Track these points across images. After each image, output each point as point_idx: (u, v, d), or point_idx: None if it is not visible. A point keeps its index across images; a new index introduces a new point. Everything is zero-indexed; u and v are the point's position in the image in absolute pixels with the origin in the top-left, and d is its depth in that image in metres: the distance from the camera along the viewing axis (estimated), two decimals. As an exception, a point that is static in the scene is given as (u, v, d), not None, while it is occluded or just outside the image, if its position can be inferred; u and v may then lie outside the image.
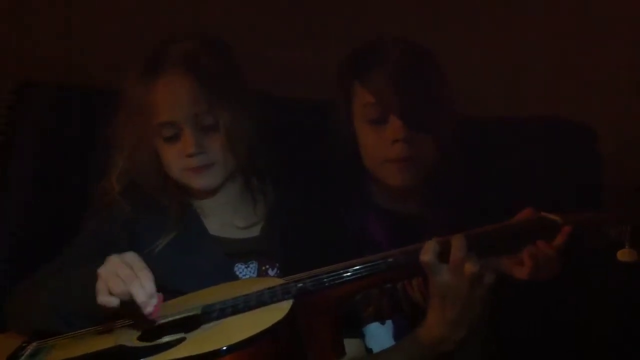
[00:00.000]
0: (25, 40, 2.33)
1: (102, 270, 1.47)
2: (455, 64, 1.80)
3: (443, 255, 1.48)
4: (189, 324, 1.47)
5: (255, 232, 1.80)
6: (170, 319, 1.51)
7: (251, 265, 1.76)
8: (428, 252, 1.47)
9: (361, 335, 1.66)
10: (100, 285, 1.47)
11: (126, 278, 1.45)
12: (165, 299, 1.52)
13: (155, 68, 1.72)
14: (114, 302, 1.46)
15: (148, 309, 1.46)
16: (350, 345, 1.57)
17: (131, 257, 1.50)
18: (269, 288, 1.50)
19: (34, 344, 1.56)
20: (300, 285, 1.48)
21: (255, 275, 1.74)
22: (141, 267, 1.48)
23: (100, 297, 1.46)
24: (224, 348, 1.34)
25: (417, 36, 1.80)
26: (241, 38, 1.89)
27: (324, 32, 2.25)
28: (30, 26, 2.34)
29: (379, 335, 1.66)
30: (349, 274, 1.49)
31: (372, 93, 1.73)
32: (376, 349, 1.65)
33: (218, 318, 1.46)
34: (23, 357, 1.54)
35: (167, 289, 1.53)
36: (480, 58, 2.18)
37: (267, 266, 1.76)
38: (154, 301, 1.47)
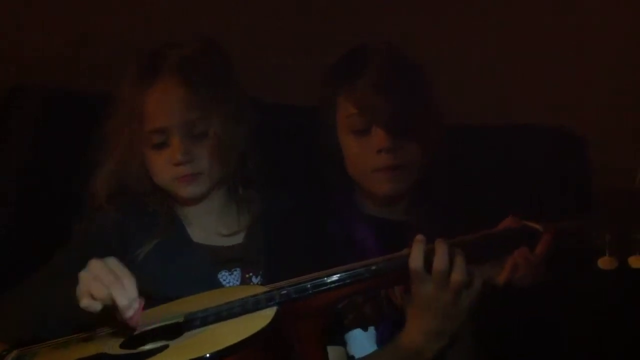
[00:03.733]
0: (17, 42, 2.32)
1: (84, 274, 1.47)
2: (444, 71, 1.81)
3: (427, 263, 1.48)
4: (172, 331, 1.46)
5: (239, 239, 1.79)
6: (152, 326, 1.50)
7: (235, 273, 1.75)
8: (416, 259, 1.47)
9: (343, 343, 1.66)
10: (82, 289, 1.46)
11: (108, 282, 1.44)
12: (148, 307, 1.51)
13: (150, 74, 1.71)
14: (96, 306, 1.45)
15: (129, 313, 1.45)
16: (333, 352, 1.58)
17: (113, 261, 1.49)
18: (252, 295, 1.49)
19: (15, 351, 1.55)
20: (284, 292, 1.47)
21: (239, 282, 1.74)
22: (123, 271, 1.47)
23: (82, 301, 1.45)
24: (207, 355, 1.33)
25: (408, 43, 1.80)
26: (235, 44, 1.88)
27: (317, 39, 2.26)
28: (22, 28, 2.33)
29: (362, 342, 1.67)
30: (332, 281, 1.49)
31: (354, 104, 1.73)
32: (358, 356, 1.65)
33: (201, 326, 1.45)
34: (3, 365, 1.53)
35: (150, 296, 1.52)
36: (468, 65, 2.19)
37: (251, 273, 1.75)
38: (136, 305, 1.46)
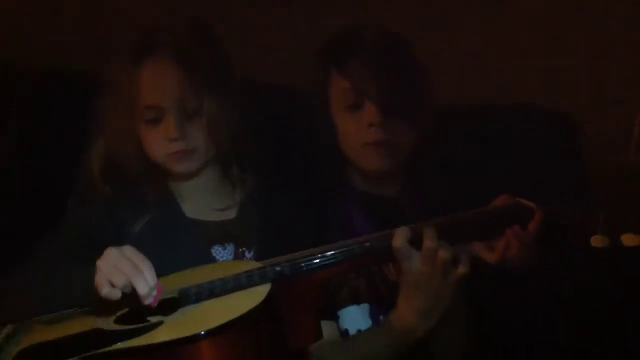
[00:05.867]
0: (7, 26, 2.31)
1: (102, 264, 1.47)
2: (436, 51, 1.82)
3: (415, 242, 1.49)
4: (167, 307, 1.47)
5: (232, 214, 1.79)
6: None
7: (228, 247, 1.75)
8: (399, 238, 1.49)
9: (335, 317, 1.67)
10: (100, 278, 1.46)
11: (128, 271, 1.45)
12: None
13: (142, 52, 1.71)
14: (116, 294, 1.46)
15: (149, 300, 1.46)
16: (325, 327, 1.58)
17: (130, 250, 1.49)
18: (246, 272, 1.50)
19: (10, 326, 1.55)
20: (278, 269, 1.48)
21: (232, 257, 1.74)
22: (141, 259, 1.48)
23: (103, 290, 1.46)
24: (202, 333, 1.34)
25: (400, 24, 1.81)
26: (227, 23, 1.88)
27: (310, 18, 2.26)
28: (13, 11, 2.32)
29: (355, 315, 1.67)
30: (326, 258, 1.49)
31: (347, 78, 1.75)
32: (352, 329, 1.66)
33: (196, 301, 1.46)
34: (-1, 340, 1.53)
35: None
36: (461, 45, 2.20)
37: (244, 248, 1.76)
38: (155, 292, 1.47)
